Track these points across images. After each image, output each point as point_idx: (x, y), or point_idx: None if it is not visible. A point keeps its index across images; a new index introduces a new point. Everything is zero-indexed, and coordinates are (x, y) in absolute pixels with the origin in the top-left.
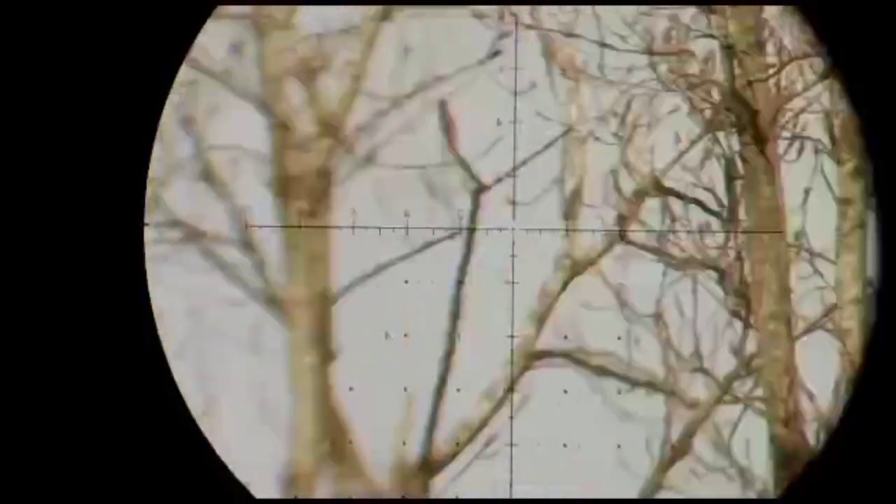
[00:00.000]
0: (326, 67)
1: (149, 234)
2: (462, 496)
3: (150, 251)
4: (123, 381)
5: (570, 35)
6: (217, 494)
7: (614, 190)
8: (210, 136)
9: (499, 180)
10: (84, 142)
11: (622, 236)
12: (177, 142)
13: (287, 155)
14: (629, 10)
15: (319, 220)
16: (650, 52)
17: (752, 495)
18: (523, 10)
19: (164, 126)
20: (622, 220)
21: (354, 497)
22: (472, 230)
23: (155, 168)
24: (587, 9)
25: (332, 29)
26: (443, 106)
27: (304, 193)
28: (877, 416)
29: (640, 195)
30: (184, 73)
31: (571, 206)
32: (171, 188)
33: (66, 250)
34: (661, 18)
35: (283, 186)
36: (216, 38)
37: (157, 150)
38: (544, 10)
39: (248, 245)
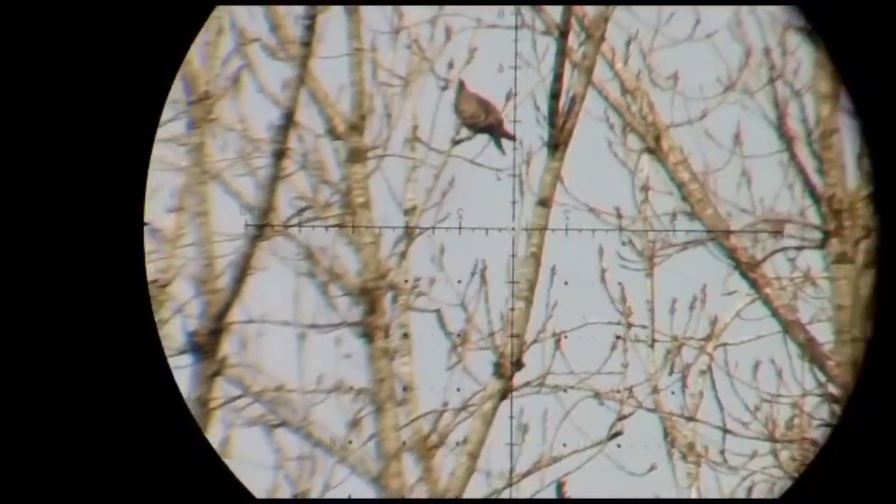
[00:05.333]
0: (443, 445)
1: None
2: None
3: None
4: (124, 381)
5: (691, 419)
6: (217, 494)
7: None
8: None
9: None
10: (84, 142)
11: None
12: None
13: None
14: (752, 398)
15: None
16: (772, 439)
17: None
18: (643, 393)
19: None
20: None
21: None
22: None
23: None
24: (709, 392)
25: (449, 406)
26: (560, 487)
27: None
28: (877, 417)
29: None
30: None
31: None
32: None
33: (66, 250)
34: (784, 406)
35: None
36: (335, 413)
37: None
38: (663, 395)
39: None
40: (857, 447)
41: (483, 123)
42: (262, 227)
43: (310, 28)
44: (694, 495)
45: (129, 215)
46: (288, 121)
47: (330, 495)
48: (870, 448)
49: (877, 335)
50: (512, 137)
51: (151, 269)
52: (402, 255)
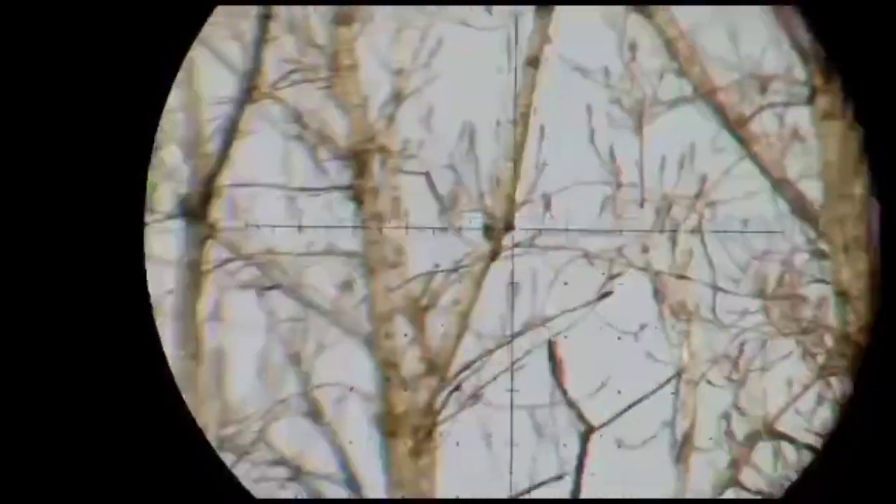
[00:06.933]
0: (434, 306)
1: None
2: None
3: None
4: (123, 381)
5: (681, 277)
6: (217, 494)
7: (726, 434)
8: (317, 374)
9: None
10: (84, 142)
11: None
12: (283, 379)
13: (393, 393)
14: (742, 255)
15: (426, 457)
16: (763, 296)
17: None
18: (634, 252)
19: (269, 363)
20: (735, 464)
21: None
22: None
23: (261, 404)
24: (699, 250)
25: (440, 268)
26: (551, 346)
27: (408, 432)
28: (876, 417)
29: (752, 439)
30: (294, 309)
31: (682, 450)
32: (276, 426)
33: (66, 251)
34: (774, 263)
35: (388, 424)
36: (325, 275)
37: (261, 387)
38: (653, 253)
39: (352, 483)
40: (857, 447)
41: None
42: (250, 91)
43: None
44: (685, 354)
45: (130, 215)
46: None
47: (323, 357)
48: (870, 448)
49: (877, 334)
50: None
51: None
52: (391, 118)
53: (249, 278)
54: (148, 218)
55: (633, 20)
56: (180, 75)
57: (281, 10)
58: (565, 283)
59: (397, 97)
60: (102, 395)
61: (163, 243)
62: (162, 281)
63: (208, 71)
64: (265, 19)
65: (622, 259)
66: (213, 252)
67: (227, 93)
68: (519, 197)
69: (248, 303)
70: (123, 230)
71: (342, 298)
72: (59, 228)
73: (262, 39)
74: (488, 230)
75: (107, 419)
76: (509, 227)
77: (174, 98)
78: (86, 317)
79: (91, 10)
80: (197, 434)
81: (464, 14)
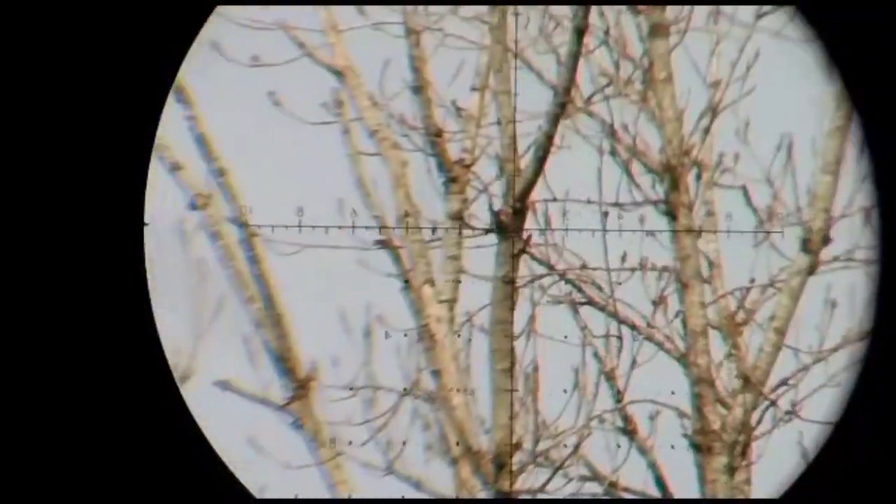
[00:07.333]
0: (749, 321)
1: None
2: None
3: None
4: (123, 381)
5: None
6: (217, 494)
7: None
8: (631, 389)
9: None
10: (84, 142)
11: None
12: (597, 394)
13: (707, 409)
14: None
15: (741, 474)
16: None
17: None
18: None
19: (583, 378)
20: None
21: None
22: None
23: (575, 418)
24: None
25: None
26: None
27: (723, 448)
28: (876, 417)
29: None
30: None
31: None
32: (590, 441)
33: (66, 251)
34: None
35: (703, 441)
36: (639, 291)
37: (575, 400)
38: None
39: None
40: (857, 446)
41: None
42: (564, 105)
43: None
44: None
45: (131, 215)
46: None
47: (635, 373)
48: (870, 448)
49: (878, 333)
50: None
51: (456, 149)
52: (706, 131)
53: (563, 294)
54: (463, 232)
55: None
56: (496, 86)
57: (595, 23)
58: None
59: (713, 110)
60: (102, 396)
61: (478, 258)
62: (477, 295)
63: (524, 85)
64: (580, 33)
65: None
66: (527, 266)
67: (541, 107)
68: (836, 210)
69: (561, 317)
70: (123, 230)
71: (656, 314)
72: (58, 227)
73: (576, 53)
74: (806, 244)
75: (107, 419)
76: (827, 240)
77: (489, 111)
78: (86, 317)
79: (91, 9)
80: (197, 434)
81: (780, 26)
